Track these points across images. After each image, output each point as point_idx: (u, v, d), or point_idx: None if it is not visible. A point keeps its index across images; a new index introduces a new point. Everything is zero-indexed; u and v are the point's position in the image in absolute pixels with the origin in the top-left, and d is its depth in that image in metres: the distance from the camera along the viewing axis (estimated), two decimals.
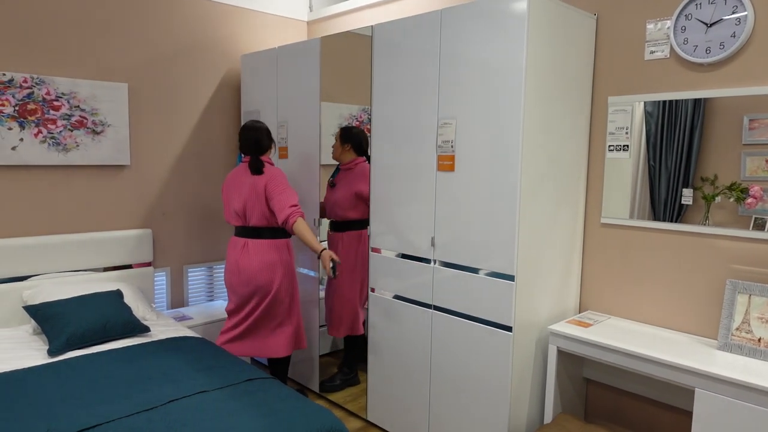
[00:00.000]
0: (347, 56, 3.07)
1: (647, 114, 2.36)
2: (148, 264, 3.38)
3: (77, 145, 3.06)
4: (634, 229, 2.40)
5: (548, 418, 2.37)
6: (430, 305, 2.55)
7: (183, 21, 3.46)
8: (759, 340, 2.01)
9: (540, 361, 2.41)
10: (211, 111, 3.66)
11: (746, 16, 2.03)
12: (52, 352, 2.47)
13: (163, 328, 2.89)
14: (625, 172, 2.42)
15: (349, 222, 3.06)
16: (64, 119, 3.00)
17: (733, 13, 2.06)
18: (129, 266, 3.30)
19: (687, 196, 2.29)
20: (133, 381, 2.17)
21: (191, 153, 3.59)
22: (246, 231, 2.86)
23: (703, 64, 2.16)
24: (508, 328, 2.25)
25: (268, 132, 2.91)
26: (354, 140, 3.05)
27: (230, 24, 3.68)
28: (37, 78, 2.91)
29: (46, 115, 2.95)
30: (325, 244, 3.03)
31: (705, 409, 1.90)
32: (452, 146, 2.39)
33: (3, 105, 2.81)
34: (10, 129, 2.84)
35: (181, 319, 3.37)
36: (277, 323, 2.91)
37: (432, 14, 2.42)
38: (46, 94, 2.94)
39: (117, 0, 3.19)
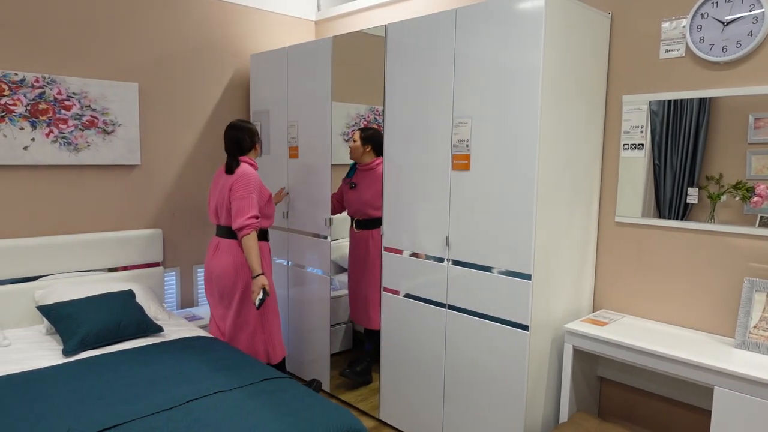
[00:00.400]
0: (356, 56, 3.07)
1: (652, 113, 2.36)
2: (159, 264, 3.38)
3: (88, 145, 3.06)
4: (649, 228, 2.41)
5: (563, 417, 2.37)
6: (445, 304, 2.55)
7: (191, 20, 3.46)
8: None
9: (555, 360, 2.41)
10: (221, 111, 3.66)
11: (763, 13, 2.03)
12: (67, 352, 2.46)
13: (175, 327, 2.89)
14: (638, 171, 2.42)
15: (377, 220, 3.08)
16: (75, 119, 3.00)
17: (751, 10, 2.06)
18: (139, 266, 3.30)
19: (692, 195, 2.30)
20: (150, 381, 2.17)
21: (201, 153, 3.58)
22: (220, 230, 2.85)
23: (719, 63, 2.17)
24: (525, 327, 2.25)
25: (252, 132, 2.85)
26: (374, 141, 3.06)
27: (238, 23, 3.67)
28: (49, 78, 2.90)
29: (58, 115, 2.94)
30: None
31: (724, 407, 1.90)
32: (467, 145, 2.39)
33: (15, 105, 2.81)
34: (21, 129, 2.83)
35: (191, 319, 3.36)
36: (250, 331, 2.83)
37: (446, 13, 2.42)
38: (57, 93, 2.93)
39: (127, 0, 3.19)
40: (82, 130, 3.03)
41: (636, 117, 2.40)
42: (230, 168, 2.78)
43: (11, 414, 1.89)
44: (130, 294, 2.90)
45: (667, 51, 2.30)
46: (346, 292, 3.60)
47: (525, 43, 2.15)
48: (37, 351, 2.52)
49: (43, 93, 2.89)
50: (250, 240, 2.63)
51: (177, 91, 3.44)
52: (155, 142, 3.37)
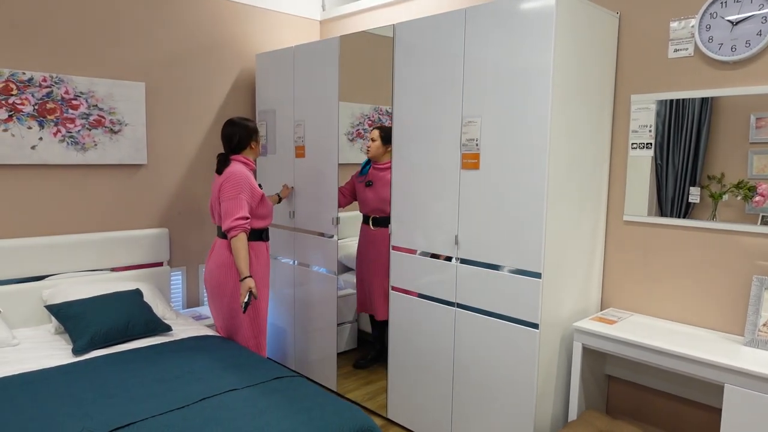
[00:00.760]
0: (361, 56, 3.08)
1: (654, 113, 2.38)
2: (165, 263, 3.38)
3: (95, 145, 3.06)
4: (658, 227, 2.42)
5: (573, 415, 2.38)
6: (453, 303, 2.56)
7: (197, 20, 3.46)
8: None
9: (564, 358, 2.42)
10: (226, 110, 3.66)
11: None
12: (76, 351, 2.47)
13: (183, 327, 2.89)
14: (647, 170, 2.44)
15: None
16: (82, 118, 3.00)
17: (760, 9, 2.07)
18: (146, 266, 3.30)
19: (694, 194, 2.31)
20: (162, 380, 2.17)
21: (207, 152, 3.59)
22: (218, 229, 2.83)
23: (728, 62, 2.18)
24: (535, 326, 2.26)
25: (249, 130, 2.78)
26: None
27: (243, 23, 3.68)
28: (56, 77, 2.90)
29: (65, 114, 2.94)
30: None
31: (735, 405, 1.91)
32: (477, 144, 2.39)
33: (23, 104, 2.81)
34: (29, 128, 2.83)
35: (198, 318, 3.37)
36: (242, 337, 2.79)
37: (456, 13, 2.43)
38: (64, 93, 2.93)
39: (134, 0, 3.19)
40: (90, 130, 3.03)
41: (644, 116, 2.41)
42: (218, 168, 2.75)
43: (24, 413, 1.89)
44: (137, 293, 2.91)
45: (676, 50, 2.31)
46: (351, 291, 3.61)
47: (535, 43, 2.16)
48: (46, 350, 2.53)
49: (51, 92, 2.89)
50: (238, 242, 2.57)
51: (183, 91, 3.44)
52: (162, 141, 3.37)
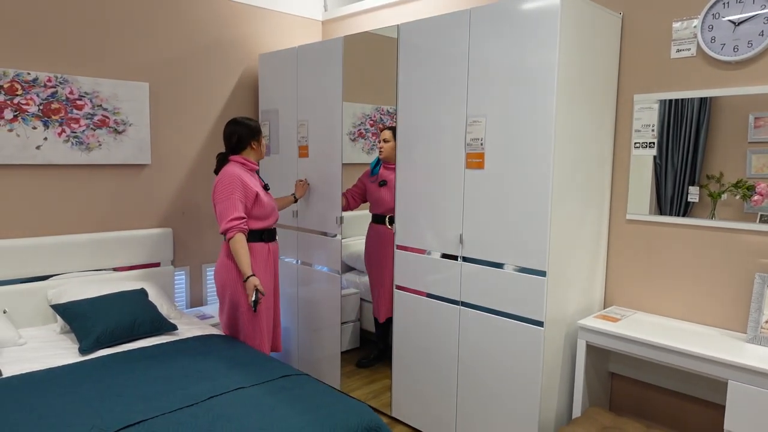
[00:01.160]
0: (363, 56, 3.10)
1: (657, 112, 2.40)
2: (169, 263, 3.39)
3: (99, 145, 3.07)
4: (660, 225, 2.44)
5: (577, 412, 2.40)
6: (458, 301, 2.57)
7: (200, 20, 3.47)
8: None
9: (568, 356, 2.44)
10: (229, 110, 3.67)
11: None
12: (83, 351, 2.47)
13: (188, 326, 2.90)
14: (649, 169, 2.46)
15: None
16: (87, 118, 3.01)
17: (762, 9, 2.09)
18: (149, 265, 3.31)
19: (693, 193, 2.33)
20: (169, 378, 2.19)
21: (210, 152, 3.60)
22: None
23: (731, 62, 2.20)
24: (540, 323, 2.28)
25: (250, 130, 2.74)
26: None
27: (246, 23, 3.69)
28: (61, 77, 2.91)
29: (70, 115, 2.95)
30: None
31: (738, 401, 1.93)
32: (482, 144, 2.41)
33: (28, 104, 2.81)
34: (34, 128, 2.84)
35: (202, 317, 3.38)
36: (243, 337, 2.76)
37: (460, 13, 2.45)
38: (69, 93, 2.94)
39: (138, 1, 3.20)
40: (94, 130, 3.04)
41: (647, 116, 2.43)
42: (216, 168, 2.76)
43: (34, 411, 1.90)
44: (142, 293, 2.92)
45: (678, 51, 2.33)
46: (354, 290, 3.63)
47: (539, 43, 2.18)
48: (52, 350, 2.53)
49: (56, 92, 2.90)
50: (235, 243, 2.55)
51: (187, 91, 3.45)
52: (165, 141, 3.38)
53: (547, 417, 2.37)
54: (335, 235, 3.20)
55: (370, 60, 3.13)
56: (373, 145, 3.50)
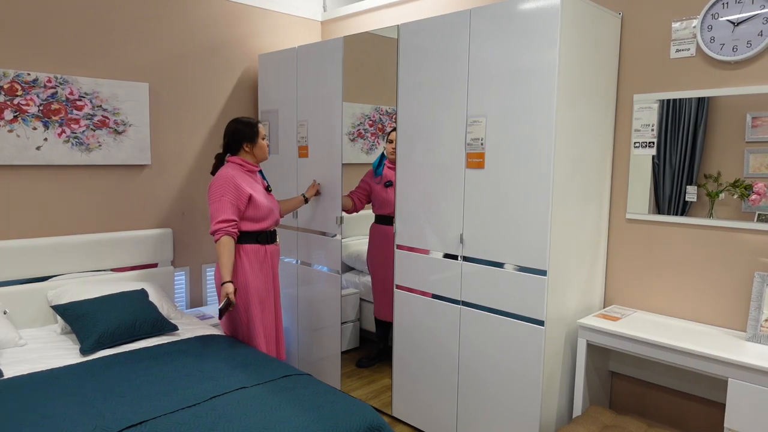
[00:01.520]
0: (363, 56, 3.10)
1: (656, 112, 2.41)
2: (168, 264, 3.39)
3: (99, 145, 3.07)
4: (660, 224, 2.45)
5: (577, 410, 2.41)
6: (458, 301, 2.58)
7: (199, 21, 3.47)
8: None
9: (569, 355, 2.45)
10: (229, 111, 3.68)
11: None
12: (84, 351, 2.47)
13: (189, 326, 2.91)
14: (649, 169, 2.47)
15: None
16: (87, 119, 3.01)
17: (762, 9, 2.10)
18: (149, 266, 3.31)
19: (691, 193, 2.35)
20: (171, 378, 2.19)
21: (210, 152, 3.60)
22: None
23: (730, 62, 2.21)
24: (540, 323, 2.29)
25: (244, 133, 2.69)
26: None
27: (245, 23, 3.69)
28: (61, 78, 2.91)
29: (70, 115, 2.95)
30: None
31: (738, 399, 1.94)
32: (482, 144, 2.42)
33: (28, 105, 2.81)
34: (34, 129, 2.84)
35: (202, 318, 3.38)
36: (239, 338, 2.75)
37: (460, 14, 2.46)
38: (69, 93, 2.94)
39: (137, 1, 3.20)
40: (94, 130, 3.04)
41: (647, 115, 2.45)
42: (213, 169, 2.75)
43: (37, 411, 1.90)
44: (143, 293, 2.92)
45: (678, 51, 2.34)
46: (354, 290, 3.64)
47: (540, 43, 2.19)
48: (53, 350, 2.53)
49: (56, 93, 2.90)
50: (219, 245, 2.53)
51: (187, 91, 3.45)
52: (165, 141, 3.38)
53: (547, 416, 2.37)
54: (335, 235, 3.20)
55: (369, 60, 3.13)
56: (372, 145, 3.50)
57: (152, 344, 2.59)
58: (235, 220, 2.59)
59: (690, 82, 2.33)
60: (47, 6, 2.89)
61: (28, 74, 2.81)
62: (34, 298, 2.87)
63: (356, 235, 3.50)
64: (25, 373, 2.25)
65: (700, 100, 2.28)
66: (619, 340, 2.25)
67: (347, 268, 3.71)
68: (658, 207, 2.44)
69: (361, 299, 3.70)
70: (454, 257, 2.58)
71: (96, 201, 3.13)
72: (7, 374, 2.26)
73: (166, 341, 2.65)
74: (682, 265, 2.40)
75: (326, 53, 3.14)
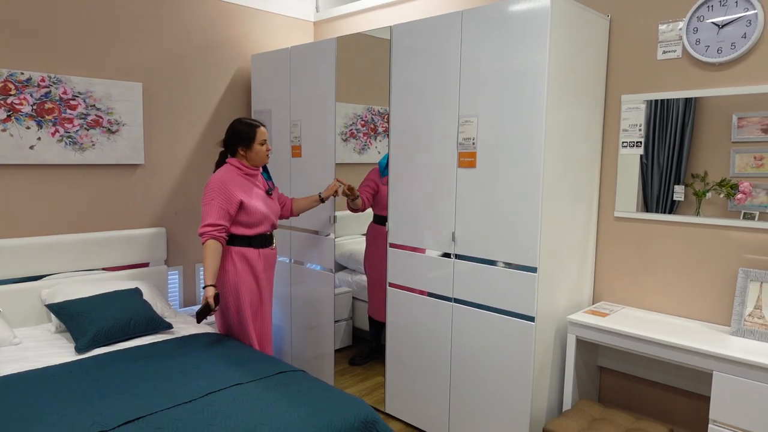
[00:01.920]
0: (355, 56, 3.13)
1: (644, 112, 2.47)
2: (160, 263, 3.40)
3: (93, 144, 3.07)
4: (647, 222, 2.50)
5: (567, 404, 2.46)
6: (451, 298, 2.62)
7: (192, 21, 3.49)
8: None
9: (558, 350, 2.50)
10: (222, 110, 3.69)
11: (756, 15, 2.14)
12: (79, 349, 2.49)
13: (183, 325, 2.92)
14: (636, 168, 2.52)
15: None
16: (80, 118, 3.02)
17: (745, 11, 2.16)
18: (143, 265, 3.32)
19: (679, 192, 2.40)
20: (167, 375, 2.20)
21: (203, 152, 3.62)
22: None
23: (714, 64, 2.27)
24: (531, 319, 2.33)
25: (240, 137, 2.67)
26: None
27: (238, 24, 3.71)
28: (54, 77, 2.91)
29: (63, 115, 2.96)
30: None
31: (723, 391, 2.00)
32: (473, 143, 2.46)
33: (21, 104, 2.82)
34: (28, 128, 2.85)
35: (194, 317, 3.39)
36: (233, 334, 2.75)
37: (452, 15, 2.50)
38: (63, 93, 2.95)
39: (130, 1, 3.21)
40: (87, 130, 3.05)
41: (634, 115, 2.50)
42: (215, 168, 2.74)
43: (35, 408, 1.92)
44: (137, 292, 2.93)
45: (665, 52, 2.40)
46: (346, 289, 3.66)
47: (530, 44, 2.23)
48: (48, 349, 2.54)
49: (49, 92, 2.90)
50: (205, 249, 2.54)
51: (180, 91, 3.47)
52: (158, 141, 3.40)
53: (538, 409, 2.42)
54: (328, 234, 3.23)
55: (361, 60, 3.16)
56: (365, 145, 3.53)
57: (147, 342, 2.61)
58: (222, 225, 2.57)
59: (676, 83, 2.38)
60: (41, 6, 2.89)
61: (22, 73, 2.81)
62: (27, 297, 2.87)
63: (349, 235, 3.53)
64: (21, 370, 2.26)
65: (688, 101, 2.34)
66: (608, 335, 2.30)
67: (340, 267, 3.73)
68: (647, 206, 2.49)
69: (353, 298, 3.73)
70: (447, 255, 2.62)
71: (89, 200, 3.14)
72: (3, 372, 2.26)
73: (160, 339, 2.66)
74: (668, 262, 2.46)
75: (320, 54, 3.17)
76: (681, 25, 2.34)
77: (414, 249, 2.78)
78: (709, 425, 2.03)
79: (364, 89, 3.31)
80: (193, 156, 3.57)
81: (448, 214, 2.60)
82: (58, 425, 1.81)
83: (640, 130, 2.49)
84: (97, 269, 3.13)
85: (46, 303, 2.79)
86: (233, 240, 2.65)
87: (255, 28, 3.80)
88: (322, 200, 3.07)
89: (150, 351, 2.47)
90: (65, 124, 2.97)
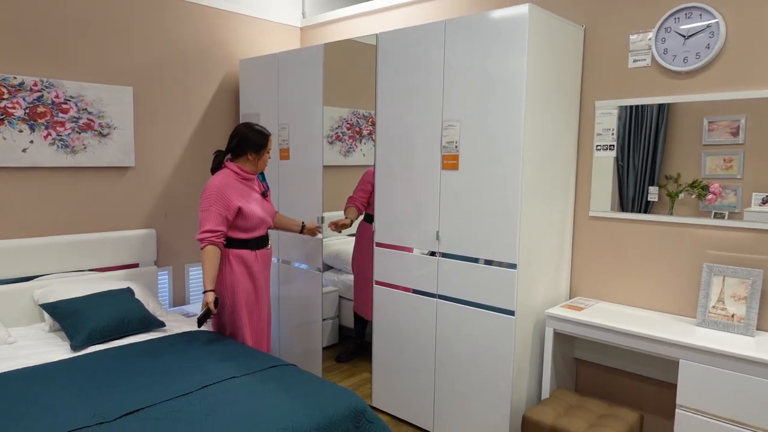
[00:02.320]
0: (341, 62, 3.24)
1: (616, 117, 2.61)
2: (150, 263, 3.47)
3: (84, 147, 3.13)
4: (620, 221, 2.65)
5: (545, 393, 2.59)
6: (435, 294, 2.74)
7: (181, 26, 3.56)
8: (732, 315, 2.28)
9: (537, 343, 2.63)
10: (211, 114, 3.77)
11: (718, 24, 2.29)
12: (75, 347, 2.55)
13: (175, 323, 2.99)
14: (610, 170, 2.67)
15: None
16: (72, 122, 3.07)
17: (708, 22, 2.31)
18: (133, 265, 3.38)
19: (653, 193, 2.55)
20: (162, 371, 2.28)
21: (192, 155, 3.69)
22: None
23: (681, 72, 2.42)
24: (511, 313, 2.46)
25: (252, 142, 2.69)
26: None
27: (226, 29, 3.79)
28: (47, 81, 2.97)
29: (55, 118, 3.01)
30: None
31: (689, 378, 2.14)
32: (456, 146, 2.58)
33: (14, 108, 2.87)
34: (20, 131, 2.90)
35: (186, 315, 3.46)
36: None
37: (436, 24, 2.62)
38: (55, 97, 3.00)
39: (122, 6, 3.27)
40: (79, 133, 3.11)
41: (608, 120, 2.64)
42: (211, 168, 2.77)
43: (35, 403, 1.98)
44: (129, 291, 3.00)
45: (635, 61, 2.55)
46: (333, 288, 3.76)
47: (509, 52, 2.36)
48: (43, 347, 2.60)
49: (42, 96, 2.96)
50: (203, 254, 2.59)
51: (169, 95, 3.54)
52: (149, 144, 3.46)
53: (518, 399, 2.55)
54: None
55: (347, 66, 3.27)
56: (350, 147, 3.63)
57: (141, 339, 2.68)
58: (220, 231, 2.61)
59: (646, 90, 2.53)
60: (33, 11, 2.95)
61: (15, 78, 2.87)
62: (20, 297, 2.92)
63: (336, 235, 3.62)
64: (18, 368, 2.32)
65: (661, 106, 2.48)
66: (584, 328, 2.43)
67: (326, 267, 3.83)
68: (623, 206, 2.63)
69: (340, 297, 3.83)
70: (432, 253, 2.74)
71: (81, 202, 3.20)
72: (1, 369, 2.32)
73: (154, 337, 2.73)
74: (640, 258, 2.61)
75: (307, 59, 3.27)
76: (650, 35, 2.49)
77: (400, 248, 2.89)
78: (676, 410, 2.17)
79: (349, 93, 3.42)
80: (183, 159, 3.64)
81: (433, 215, 2.71)
82: (59, 417, 1.88)
83: (613, 134, 2.64)
84: (88, 270, 3.19)
85: (40, 303, 2.84)
86: (230, 242, 2.70)
87: (243, 33, 3.88)
88: (301, 231, 3.13)
89: (145, 348, 2.54)
90: (57, 128, 3.02)
